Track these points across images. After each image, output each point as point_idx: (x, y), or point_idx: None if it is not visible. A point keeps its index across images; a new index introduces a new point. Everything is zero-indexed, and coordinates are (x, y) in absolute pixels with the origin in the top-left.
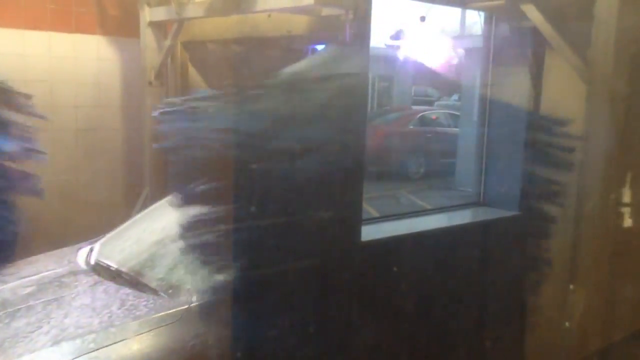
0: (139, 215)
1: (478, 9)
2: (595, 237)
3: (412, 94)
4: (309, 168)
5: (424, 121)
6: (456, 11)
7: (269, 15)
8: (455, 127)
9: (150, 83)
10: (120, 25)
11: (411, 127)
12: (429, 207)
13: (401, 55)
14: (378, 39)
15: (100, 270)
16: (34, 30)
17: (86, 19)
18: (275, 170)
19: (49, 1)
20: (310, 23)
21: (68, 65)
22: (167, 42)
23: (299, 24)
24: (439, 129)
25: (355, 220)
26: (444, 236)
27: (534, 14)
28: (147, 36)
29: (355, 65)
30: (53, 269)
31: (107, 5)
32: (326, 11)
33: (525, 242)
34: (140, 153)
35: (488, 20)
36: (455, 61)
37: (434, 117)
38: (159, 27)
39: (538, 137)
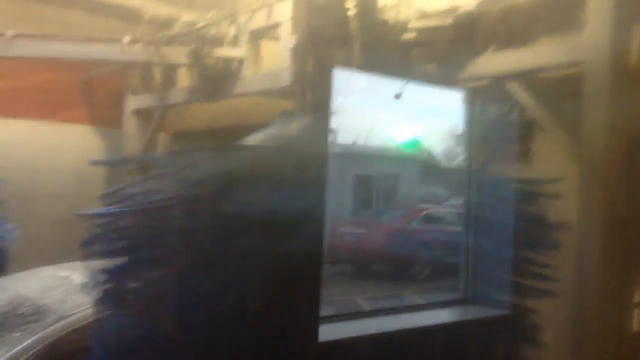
0: None
1: (460, 89)
2: (596, 335)
3: (421, 194)
4: (255, 257)
5: (428, 219)
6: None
7: (258, 102)
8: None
9: (129, 172)
10: (106, 115)
11: (415, 225)
12: None
13: (407, 154)
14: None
15: None
16: (18, 118)
17: (72, 109)
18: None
19: (35, 90)
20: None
21: (51, 154)
22: (149, 130)
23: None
24: (445, 227)
25: (309, 319)
26: (413, 337)
27: (520, 94)
28: (131, 125)
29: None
30: None
31: (93, 95)
32: None
33: (513, 343)
34: None
35: (471, 102)
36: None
37: (439, 215)
38: (143, 115)
39: (527, 227)
